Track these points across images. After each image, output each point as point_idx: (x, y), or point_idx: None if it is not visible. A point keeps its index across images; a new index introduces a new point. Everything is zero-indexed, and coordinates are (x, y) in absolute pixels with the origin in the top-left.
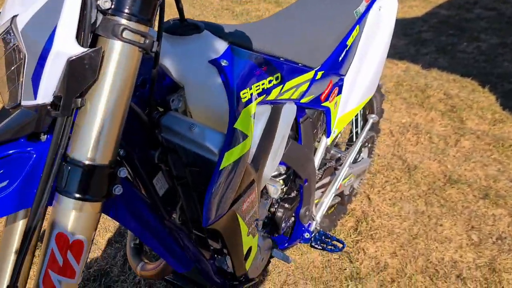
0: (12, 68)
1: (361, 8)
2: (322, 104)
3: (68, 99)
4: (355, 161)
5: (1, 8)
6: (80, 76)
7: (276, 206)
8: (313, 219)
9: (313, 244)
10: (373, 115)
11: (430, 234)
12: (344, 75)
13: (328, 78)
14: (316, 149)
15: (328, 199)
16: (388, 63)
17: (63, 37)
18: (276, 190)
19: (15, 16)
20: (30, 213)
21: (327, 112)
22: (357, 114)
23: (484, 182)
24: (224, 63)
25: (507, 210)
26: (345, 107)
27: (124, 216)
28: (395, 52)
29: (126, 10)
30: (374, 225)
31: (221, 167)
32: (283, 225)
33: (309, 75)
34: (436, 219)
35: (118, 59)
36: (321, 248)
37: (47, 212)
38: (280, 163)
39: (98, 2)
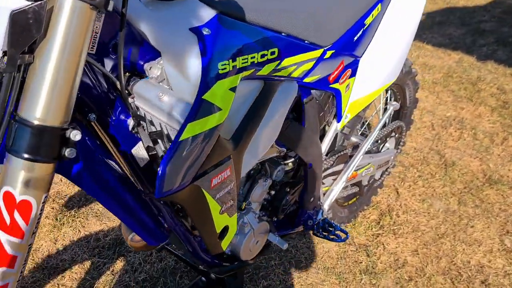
0: None
1: None
2: (331, 86)
3: (14, 54)
4: (377, 151)
5: None
6: (25, 30)
7: (277, 189)
8: (320, 207)
9: (315, 231)
10: (394, 103)
11: (459, 235)
12: (360, 57)
13: (339, 58)
14: (325, 134)
15: (338, 188)
16: (440, 53)
17: None
18: (276, 172)
19: None
20: None
21: (337, 94)
22: (386, 101)
23: None
24: (205, 31)
25: None
26: (360, 91)
27: (87, 183)
28: (450, 42)
29: None
30: (399, 220)
31: (180, 138)
32: (284, 209)
33: (316, 53)
34: (468, 219)
35: (68, 16)
36: (322, 236)
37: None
38: (280, 145)
39: None
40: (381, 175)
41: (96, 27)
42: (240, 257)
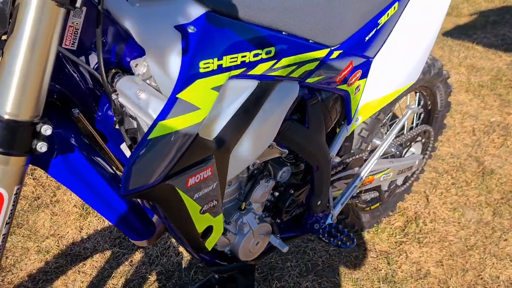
0: None
1: None
2: (338, 87)
3: None
4: (400, 155)
5: None
6: None
7: (281, 190)
8: (329, 211)
9: (320, 236)
10: (413, 106)
11: (490, 248)
12: (372, 58)
13: (347, 59)
14: (335, 136)
15: (349, 192)
16: (490, 54)
17: None
18: (281, 173)
19: None
20: None
21: (346, 96)
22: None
23: None
24: (191, 29)
25: None
26: (373, 93)
27: (65, 177)
28: (502, 43)
29: None
30: (425, 228)
31: (149, 137)
32: (287, 211)
33: (320, 53)
34: (502, 232)
35: (34, 12)
36: (328, 241)
37: None
38: (282, 146)
39: None
40: (405, 181)
41: (77, 23)
42: (239, 257)
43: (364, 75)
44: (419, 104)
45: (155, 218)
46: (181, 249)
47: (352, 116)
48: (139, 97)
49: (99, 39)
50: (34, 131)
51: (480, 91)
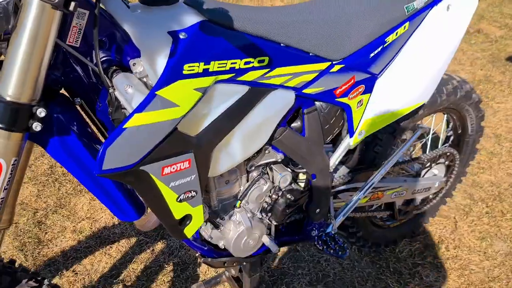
0: None
1: (418, 3)
2: (338, 100)
3: None
4: (416, 174)
5: None
6: None
7: (279, 194)
8: (330, 220)
9: (315, 243)
10: (424, 125)
11: None
12: (377, 74)
13: (349, 73)
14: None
15: (351, 205)
16: None
17: None
18: (280, 177)
19: None
20: None
21: (347, 109)
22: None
23: None
24: (182, 35)
25: None
26: (378, 109)
27: (60, 155)
28: None
29: None
30: (447, 254)
31: (124, 126)
32: (284, 215)
33: (319, 66)
34: None
35: (34, 12)
36: (321, 248)
37: None
38: (278, 151)
39: None
40: (424, 203)
41: (80, 24)
42: (231, 252)
43: (368, 91)
44: (447, 126)
45: None
46: None
47: (355, 129)
48: (127, 91)
49: (96, 39)
50: (31, 112)
51: None
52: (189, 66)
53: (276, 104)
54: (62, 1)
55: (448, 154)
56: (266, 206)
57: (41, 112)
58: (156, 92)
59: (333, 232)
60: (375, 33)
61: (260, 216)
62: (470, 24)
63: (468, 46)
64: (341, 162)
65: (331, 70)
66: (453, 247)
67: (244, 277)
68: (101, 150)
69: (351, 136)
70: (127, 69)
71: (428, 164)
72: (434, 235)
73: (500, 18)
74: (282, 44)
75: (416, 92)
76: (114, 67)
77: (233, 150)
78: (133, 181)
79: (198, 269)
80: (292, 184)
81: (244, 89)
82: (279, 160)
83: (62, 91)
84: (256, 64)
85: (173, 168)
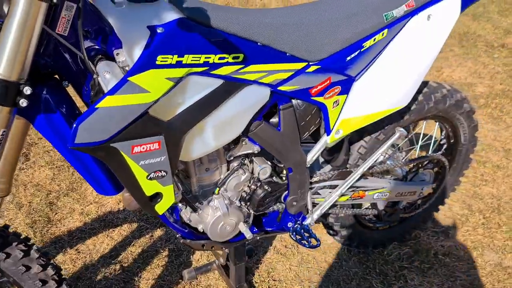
0: None
1: (397, 12)
2: (313, 98)
3: None
4: (403, 179)
5: None
6: None
7: (257, 185)
8: (308, 213)
9: (290, 234)
10: (401, 129)
11: None
12: (354, 77)
13: (324, 74)
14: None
15: (329, 201)
16: None
17: None
18: (260, 169)
19: None
20: None
21: (323, 108)
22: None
23: None
24: (159, 30)
25: None
26: (356, 110)
27: (46, 131)
28: None
29: None
30: (434, 260)
31: (96, 105)
32: (261, 205)
33: (295, 65)
34: None
35: (23, 3)
36: (295, 239)
37: None
38: (255, 143)
39: None
40: (410, 207)
41: (68, 16)
42: (209, 235)
43: (344, 92)
44: (441, 134)
45: None
46: None
47: (331, 128)
48: (105, 76)
49: (80, 29)
50: (18, 90)
51: None
52: (162, 57)
53: (250, 99)
54: None
55: (437, 160)
56: (245, 195)
57: (27, 90)
58: (129, 78)
59: (309, 225)
60: (353, 38)
61: (239, 204)
62: (494, 38)
63: (490, 60)
64: (327, 161)
65: (307, 70)
66: (442, 254)
67: (230, 265)
68: (74, 126)
69: (328, 134)
70: (112, 58)
71: (414, 168)
72: (425, 241)
73: None
74: (259, 43)
75: (393, 96)
76: (100, 56)
77: (206, 138)
78: (104, 156)
79: (191, 256)
80: (272, 177)
81: (218, 82)
82: (256, 152)
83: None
84: (230, 60)
85: (143, 148)
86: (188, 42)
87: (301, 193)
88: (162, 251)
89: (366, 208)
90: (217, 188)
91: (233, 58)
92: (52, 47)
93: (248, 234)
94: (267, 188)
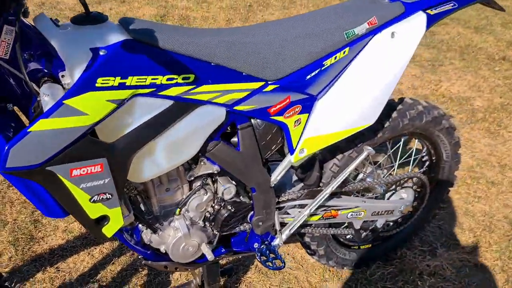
0: None
1: (359, 30)
2: (272, 118)
3: None
4: (382, 196)
5: None
6: None
7: (221, 205)
8: (275, 234)
9: (257, 255)
10: (369, 148)
11: None
12: (315, 95)
13: (283, 93)
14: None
15: (298, 220)
16: None
17: None
18: (223, 189)
19: None
20: None
21: (284, 128)
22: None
23: None
24: (102, 52)
25: None
26: (319, 129)
27: None
28: None
29: None
30: (419, 280)
31: (29, 129)
32: (225, 225)
33: (252, 85)
34: None
35: None
36: (260, 260)
37: None
38: (213, 163)
39: None
40: (391, 226)
41: (9, 39)
42: (171, 257)
43: (306, 111)
44: (422, 151)
45: None
46: None
47: (294, 147)
48: (44, 99)
49: (19, 52)
50: None
51: None
52: (103, 80)
53: (204, 119)
54: None
55: (416, 179)
56: (209, 215)
57: None
58: (64, 101)
59: (277, 247)
60: (313, 57)
61: (203, 225)
62: (496, 51)
63: (491, 73)
64: (301, 179)
65: (264, 90)
66: (428, 274)
67: (205, 285)
68: (4, 150)
69: (291, 154)
70: (58, 81)
71: (392, 186)
72: (411, 261)
73: None
74: (212, 63)
75: (357, 115)
76: (46, 78)
77: (157, 159)
78: (41, 180)
79: (171, 275)
80: (238, 197)
81: (167, 103)
82: (215, 172)
83: None
84: (180, 81)
85: (83, 171)
86: (133, 64)
87: (266, 213)
88: (141, 270)
89: (342, 228)
90: (178, 209)
91: (183, 78)
92: None
93: (209, 256)
94: (230, 208)
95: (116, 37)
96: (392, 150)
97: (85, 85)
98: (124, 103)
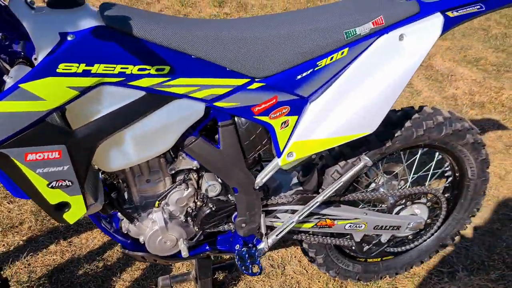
0: None
1: (361, 30)
2: (256, 117)
3: None
4: (388, 210)
5: None
6: None
7: (204, 202)
8: (260, 238)
9: (235, 257)
10: (366, 158)
11: None
12: (307, 97)
13: (270, 92)
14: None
15: (285, 226)
16: None
17: None
18: (207, 185)
19: None
20: None
21: (270, 128)
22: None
23: None
24: (70, 37)
25: None
26: (311, 133)
27: None
28: None
29: None
30: None
31: None
32: (205, 223)
33: (235, 81)
34: None
35: None
36: (238, 263)
37: None
38: (192, 159)
39: None
40: (399, 242)
41: None
42: (147, 248)
43: (295, 112)
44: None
45: None
46: None
47: (281, 150)
48: (7, 81)
49: None
50: None
51: None
52: (65, 65)
53: (179, 113)
54: None
55: (431, 195)
56: (191, 211)
57: None
58: (20, 85)
59: (261, 251)
60: (305, 56)
61: (184, 220)
62: None
63: None
64: (300, 183)
65: (249, 87)
66: None
67: (197, 279)
68: None
69: (278, 157)
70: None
71: (404, 201)
72: (425, 281)
73: None
74: (193, 56)
75: (355, 121)
76: (20, 60)
77: (126, 150)
78: None
79: (173, 264)
80: (225, 195)
81: (138, 93)
82: (194, 167)
83: None
84: (153, 72)
85: (39, 156)
86: (101, 51)
87: (250, 215)
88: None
89: (341, 238)
90: (157, 201)
91: (157, 70)
92: None
93: (184, 253)
94: (212, 206)
95: (88, 23)
96: (409, 161)
97: (45, 69)
98: (88, 91)
